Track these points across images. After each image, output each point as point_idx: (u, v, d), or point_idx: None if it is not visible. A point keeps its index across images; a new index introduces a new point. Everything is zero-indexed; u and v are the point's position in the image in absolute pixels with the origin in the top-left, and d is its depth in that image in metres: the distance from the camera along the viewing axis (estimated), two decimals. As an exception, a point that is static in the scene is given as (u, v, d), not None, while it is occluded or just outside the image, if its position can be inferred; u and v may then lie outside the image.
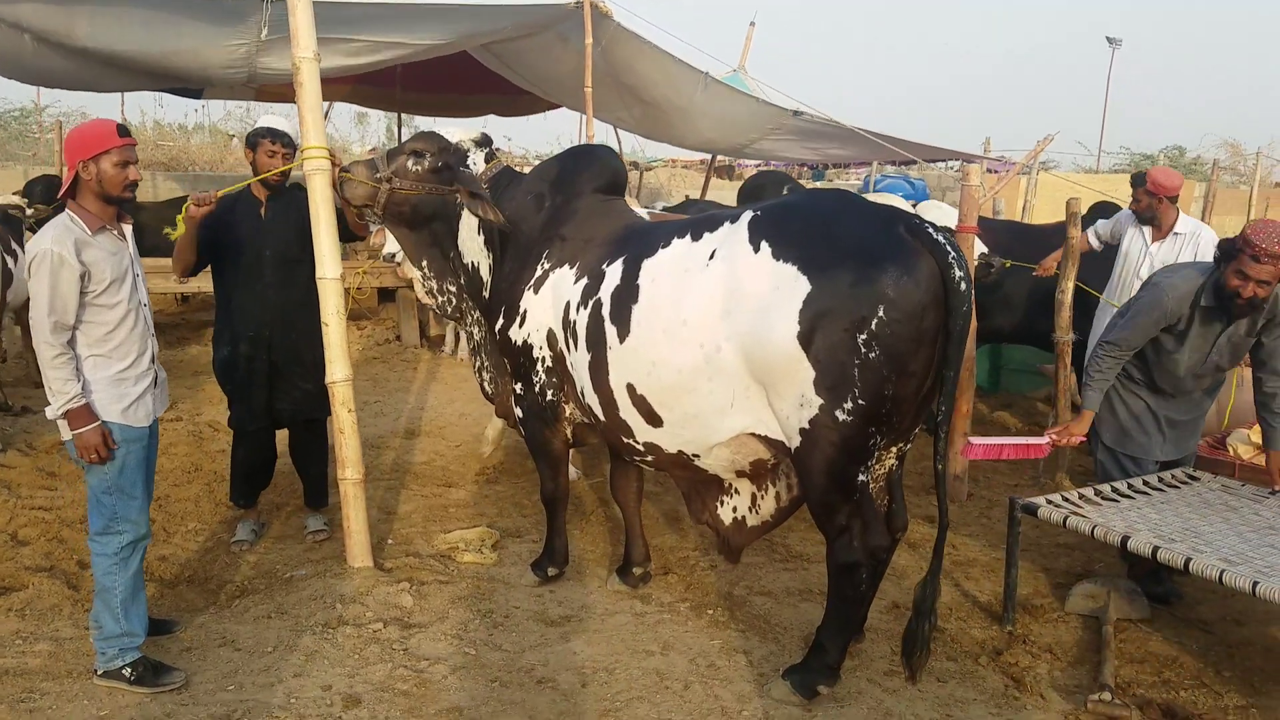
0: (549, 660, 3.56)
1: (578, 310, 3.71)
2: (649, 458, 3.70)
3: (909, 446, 3.46)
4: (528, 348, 3.97)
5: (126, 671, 3.29)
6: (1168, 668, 3.65)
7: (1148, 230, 5.48)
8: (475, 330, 4.42)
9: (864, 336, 2.94)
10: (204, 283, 7.96)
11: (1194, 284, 3.97)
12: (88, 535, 3.39)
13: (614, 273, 3.61)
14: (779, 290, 3.06)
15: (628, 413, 3.58)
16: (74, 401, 3.16)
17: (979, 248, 5.63)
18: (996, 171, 13.25)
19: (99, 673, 3.32)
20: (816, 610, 3.88)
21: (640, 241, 3.63)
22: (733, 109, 9.22)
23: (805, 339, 2.99)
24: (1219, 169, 17.03)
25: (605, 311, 3.57)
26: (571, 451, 4.41)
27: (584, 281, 3.73)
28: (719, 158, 13.35)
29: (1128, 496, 4.06)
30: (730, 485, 3.73)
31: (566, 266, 3.84)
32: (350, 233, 4.46)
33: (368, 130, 31.15)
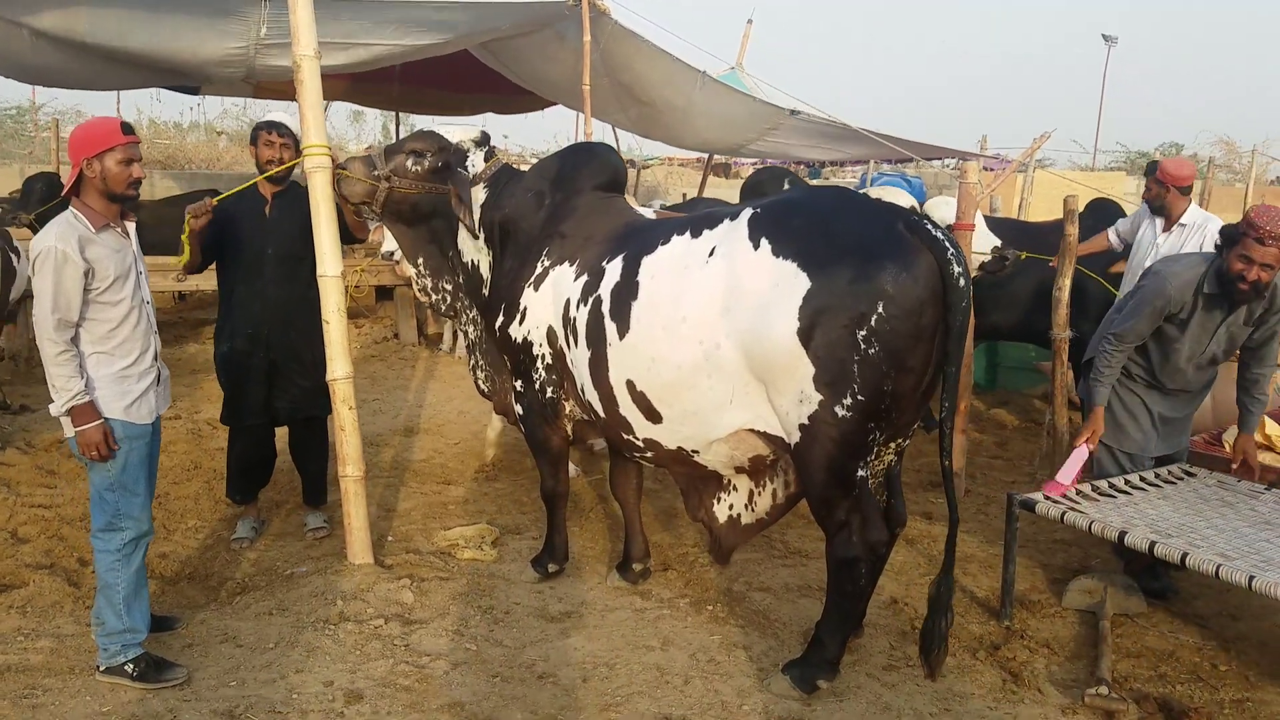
0: (549, 656, 3.57)
1: (578, 307, 3.72)
2: (648, 454, 3.72)
3: (908, 442, 3.48)
4: (528, 345, 3.98)
5: (129, 668, 3.30)
6: (1164, 662, 3.67)
7: (1159, 221, 5.47)
8: (471, 328, 4.42)
9: (863, 333, 2.96)
10: (201, 281, 7.98)
11: (1197, 271, 3.98)
12: (90, 532, 3.40)
13: (614, 270, 3.62)
14: (779, 287, 3.08)
15: (627, 409, 3.59)
16: (77, 399, 3.16)
17: (992, 240, 5.64)
18: (992, 169, 13.28)
19: (101, 669, 3.33)
20: (815, 606, 3.90)
21: (640, 239, 3.65)
22: (730, 108, 9.23)
23: (805, 335, 3.01)
24: (1214, 166, 17.08)
25: (605, 308, 3.59)
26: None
27: (584, 279, 3.74)
28: (716, 156, 13.37)
29: (1124, 492, 4.08)
30: (728, 482, 3.75)
31: (566, 264, 3.85)
32: (350, 234, 4.45)
33: (364, 128, 31.14)
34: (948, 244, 3.04)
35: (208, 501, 5.08)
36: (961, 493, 5.47)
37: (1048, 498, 3.96)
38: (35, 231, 5.10)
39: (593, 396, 3.72)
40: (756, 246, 3.18)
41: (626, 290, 3.53)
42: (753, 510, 3.73)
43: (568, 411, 4.05)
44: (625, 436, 3.70)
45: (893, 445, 3.39)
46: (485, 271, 4.21)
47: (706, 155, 12.70)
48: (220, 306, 4.56)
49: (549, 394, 4.00)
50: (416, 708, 3.20)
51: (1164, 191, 5.36)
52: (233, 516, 4.81)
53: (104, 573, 3.32)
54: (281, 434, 4.73)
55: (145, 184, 3.39)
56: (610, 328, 3.56)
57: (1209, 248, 5.07)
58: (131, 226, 3.40)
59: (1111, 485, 4.13)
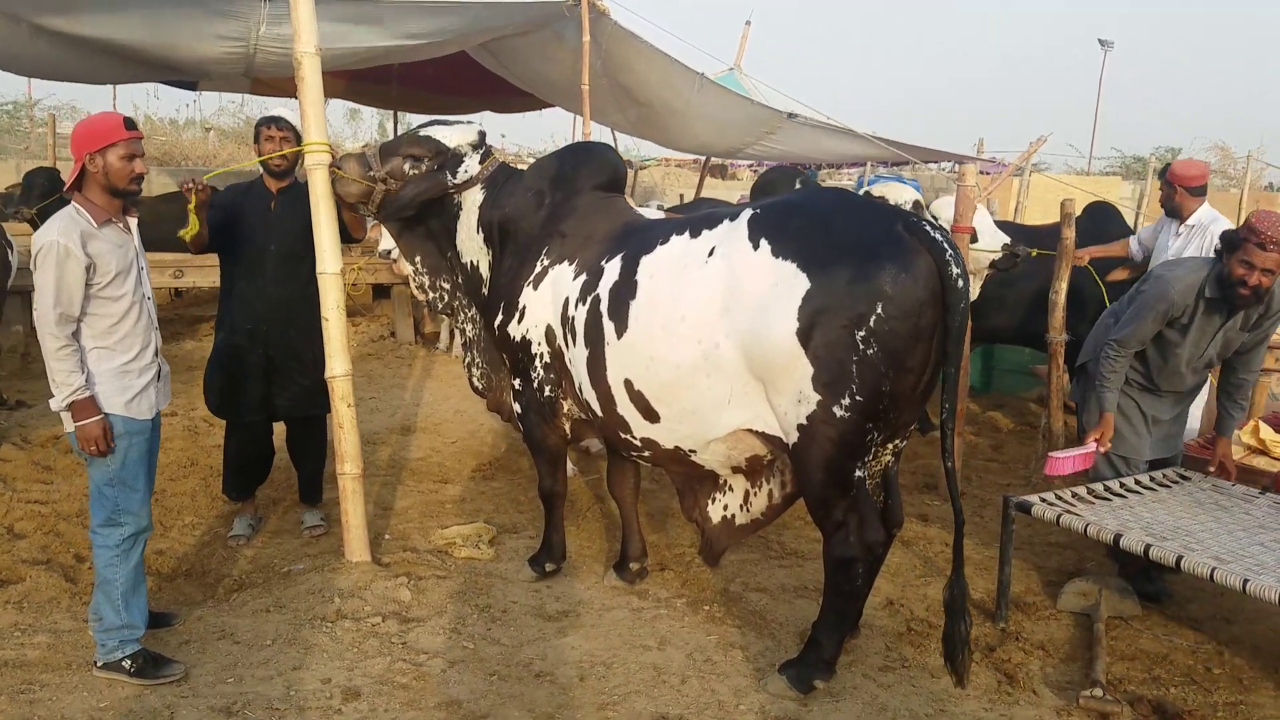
0: (547, 654, 3.58)
1: (576, 306, 3.73)
2: (646, 453, 3.72)
3: (905, 443, 3.49)
4: (526, 343, 3.98)
5: (126, 663, 3.30)
6: (1158, 665, 3.69)
7: (1174, 225, 5.46)
8: (468, 327, 4.42)
9: (862, 333, 2.97)
10: (197, 278, 8.03)
11: (1199, 274, 4.00)
12: (89, 527, 3.40)
13: (613, 269, 3.63)
14: (778, 287, 3.09)
15: (625, 408, 3.60)
16: (78, 393, 3.16)
17: (1002, 238, 5.65)
18: (989, 173, 13.32)
19: (99, 664, 3.33)
20: (811, 607, 3.91)
21: (639, 238, 3.66)
22: (728, 112, 9.23)
23: (804, 335, 3.02)
24: (1210, 172, 17.09)
25: (604, 308, 3.60)
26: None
27: (583, 278, 3.75)
28: (713, 158, 13.37)
29: (1120, 495, 4.10)
30: (725, 482, 3.76)
31: (566, 263, 3.86)
32: (348, 233, 4.44)
33: (360, 126, 31.15)
34: (946, 245, 3.05)
35: (204, 498, 5.08)
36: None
37: (1043, 498, 3.98)
38: (37, 227, 5.10)
39: (590, 395, 3.73)
40: (756, 247, 3.20)
41: (625, 289, 3.54)
42: (747, 511, 3.74)
43: (566, 410, 4.06)
44: (623, 436, 3.71)
45: (890, 446, 3.40)
46: (485, 271, 4.21)
47: (704, 156, 12.70)
48: (221, 300, 4.56)
49: (547, 393, 4.01)
50: (414, 705, 3.21)
51: (1173, 193, 5.37)
52: (229, 513, 4.81)
53: (102, 568, 3.32)
54: (278, 432, 4.73)
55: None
56: (609, 327, 3.57)
57: (1208, 249, 5.10)
58: (133, 222, 3.40)
59: (1107, 488, 4.15)
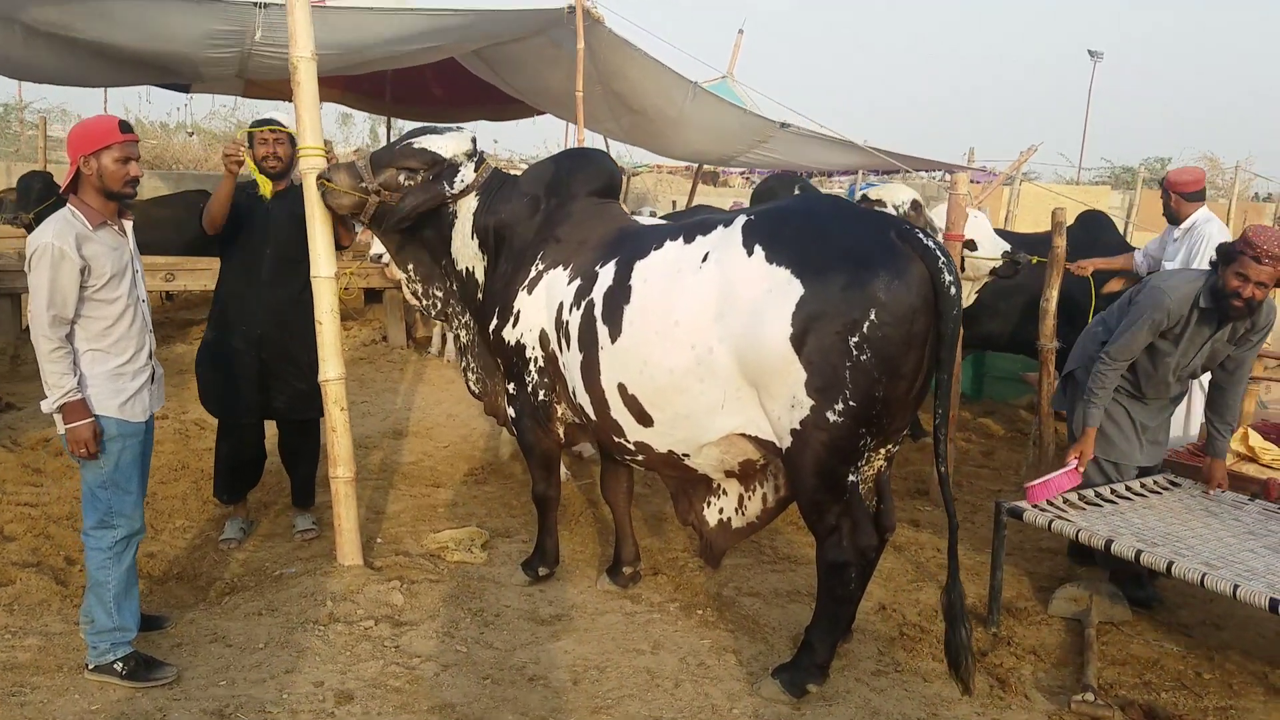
0: (540, 658, 3.58)
1: (570, 311, 3.73)
2: (640, 457, 3.73)
3: (897, 448, 3.51)
4: (520, 348, 3.99)
5: (118, 666, 3.29)
6: (1149, 670, 3.70)
7: (1174, 230, 5.49)
8: (463, 332, 4.41)
9: (855, 339, 2.99)
10: (189, 281, 8.01)
11: (1195, 285, 4.03)
12: (80, 530, 3.39)
13: (607, 274, 3.64)
14: (772, 293, 3.10)
15: (619, 412, 3.61)
16: (69, 395, 3.16)
17: (1002, 245, 5.67)
18: (979, 182, 13.37)
19: (90, 667, 3.31)
20: (804, 611, 3.92)
21: (634, 243, 3.67)
22: (721, 120, 9.28)
23: (797, 341, 3.04)
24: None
25: (598, 312, 3.60)
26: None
27: (577, 283, 3.76)
28: (705, 164, 13.42)
29: (1111, 501, 4.13)
30: (718, 486, 3.78)
31: (560, 268, 3.87)
32: (336, 242, 4.40)
33: (352, 131, 31.12)
34: (939, 252, 3.08)
35: (195, 501, 5.06)
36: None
37: (1035, 506, 4.00)
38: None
39: (584, 400, 3.74)
40: (750, 253, 3.21)
41: (620, 294, 3.55)
42: (743, 514, 3.76)
43: (560, 415, 4.06)
44: (616, 440, 3.71)
45: (883, 451, 3.41)
46: (480, 277, 4.19)
47: (696, 163, 12.74)
48: (216, 301, 4.53)
49: (541, 397, 4.01)
50: (407, 709, 3.20)
51: (1169, 200, 5.44)
52: (220, 517, 4.80)
53: (94, 570, 3.31)
54: (269, 435, 4.72)
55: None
56: (603, 331, 3.58)
57: (1197, 250, 5.16)
58: (129, 225, 3.40)
59: (1098, 494, 4.18)
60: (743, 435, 3.35)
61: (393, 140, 4.40)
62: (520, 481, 5.59)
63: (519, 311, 3.96)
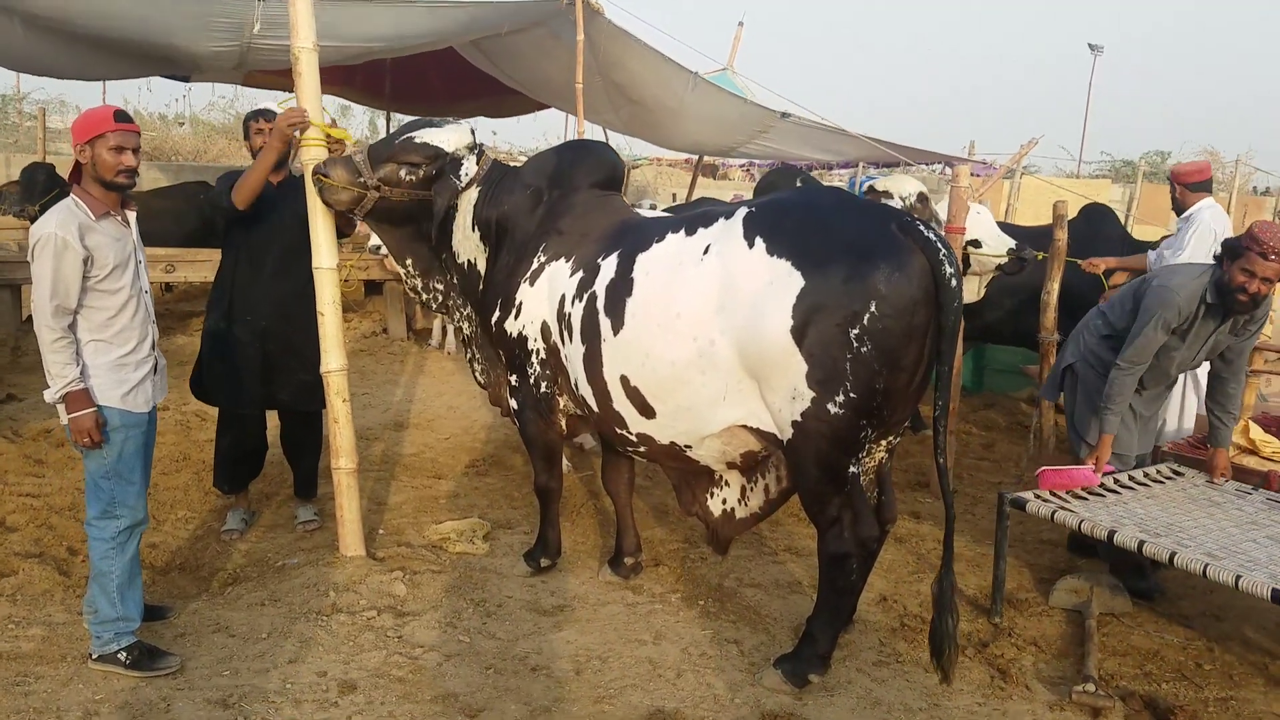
0: (542, 649, 3.59)
1: (572, 303, 3.74)
2: (641, 449, 3.74)
3: (898, 440, 3.51)
4: (522, 340, 3.99)
5: (122, 656, 3.30)
6: (1149, 661, 3.72)
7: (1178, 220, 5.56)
8: (465, 324, 4.41)
9: (856, 331, 3.00)
10: (189, 272, 8.01)
11: (1201, 281, 4.05)
12: (83, 520, 3.39)
13: (609, 266, 3.64)
14: (773, 285, 3.11)
15: (621, 404, 3.61)
16: (72, 385, 3.16)
17: (1008, 241, 5.67)
18: (980, 175, 13.37)
19: (94, 657, 3.32)
20: (805, 602, 3.93)
21: (636, 236, 3.67)
22: (721, 110, 9.25)
23: (798, 333, 3.04)
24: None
25: (600, 304, 3.61)
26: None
27: (580, 275, 3.76)
28: (706, 156, 13.40)
29: (1114, 492, 4.14)
30: (720, 477, 3.79)
31: (562, 260, 3.87)
32: (339, 230, 4.40)
33: (350, 123, 30.94)
34: (940, 244, 3.08)
35: (197, 492, 5.06)
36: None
37: (1037, 495, 4.02)
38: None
39: (586, 392, 3.74)
40: (751, 245, 3.22)
41: (622, 286, 3.55)
42: (746, 504, 3.77)
43: (562, 406, 4.07)
44: (619, 431, 3.72)
45: (884, 443, 3.43)
46: (482, 269, 4.19)
47: (696, 156, 12.71)
48: (218, 288, 4.48)
49: (543, 389, 4.02)
50: (410, 698, 3.21)
51: (1175, 191, 5.47)
52: (222, 508, 4.80)
53: (98, 560, 3.32)
54: (271, 426, 4.72)
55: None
56: (605, 323, 3.58)
57: (1194, 234, 5.18)
58: (132, 215, 3.40)
59: (1101, 485, 4.18)
60: (744, 427, 3.35)
61: (390, 134, 4.35)
62: (521, 473, 5.60)
63: (521, 304, 3.96)
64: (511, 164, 4.41)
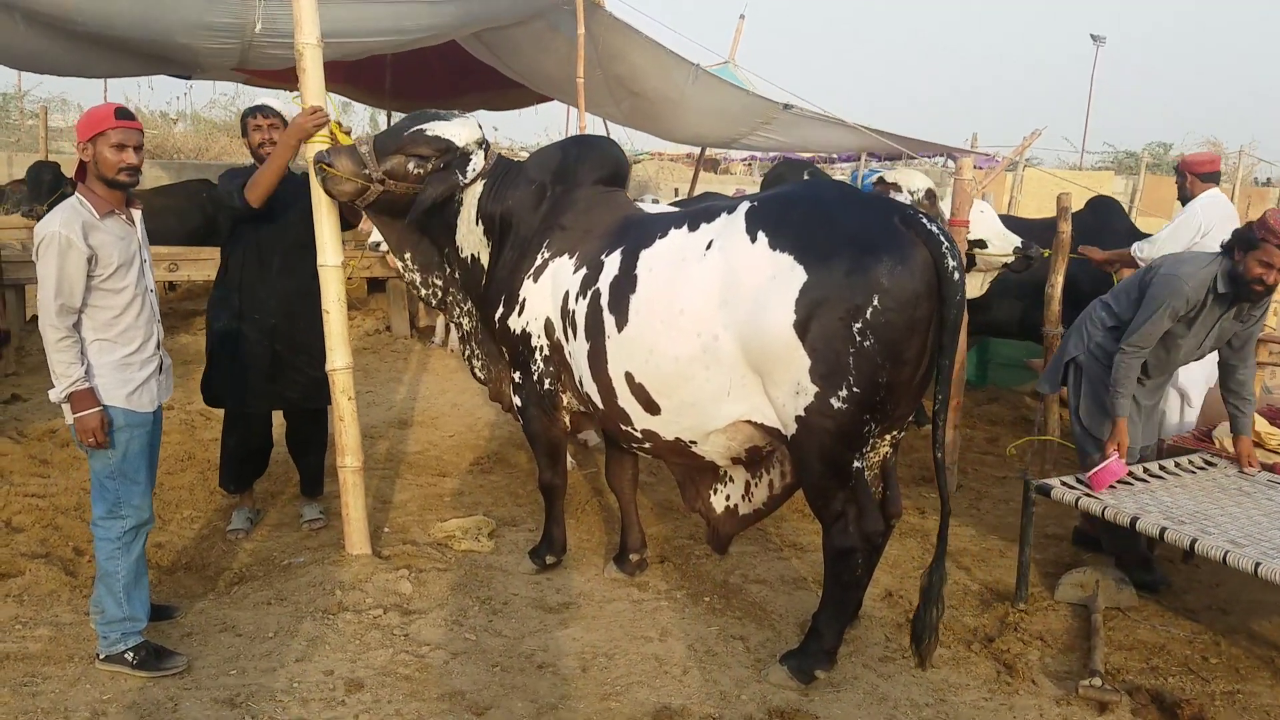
0: (549, 646, 3.59)
1: (576, 300, 3.73)
2: (646, 445, 3.74)
3: (903, 434, 3.51)
4: (526, 336, 3.98)
5: (129, 656, 3.30)
6: (1156, 655, 3.71)
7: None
8: (465, 320, 4.39)
9: (859, 325, 2.99)
10: (192, 271, 8.01)
11: (1210, 270, 4.05)
12: (89, 521, 3.40)
13: (613, 263, 3.63)
14: (776, 279, 3.10)
15: (626, 401, 3.61)
16: (77, 385, 3.15)
17: (1013, 240, 5.66)
18: (982, 167, 13.32)
19: (101, 657, 3.32)
20: (811, 598, 3.93)
21: (639, 232, 3.67)
22: (723, 102, 9.23)
23: (801, 327, 3.03)
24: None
25: (604, 301, 3.60)
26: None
27: (583, 271, 3.75)
28: (707, 151, 13.38)
29: (1142, 480, 4.16)
30: (725, 473, 3.78)
31: (566, 256, 3.86)
32: (346, 220, 4.38)
33: (352, 119, 30.93)
34: (942, 237, 3.07)
35: (202, 492, 5.07)
36: (953, 488, 5.51)
37: (1062, 482, 4.04)
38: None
39: (591, 388, 3.74)
40: (754, 240, 3.21)
41: (625, 283, 3.55)
42: (749, 501, 3.76)
43: (566, 403, 4.06)
44: (623, 428, 3.72)
45: (888, 437, 3.42)
46: (485, 264, 4.18)
47: (698, 150, 12.69)
48: (222, 285, 4.46)
49: (547, 385, 4.01)
50: (417, 696, 3.22)
51: (1184, 181, 5.48)
52: (227, 507, 4.81)
53: (104, 561, 3.32)
54: (276, 424, 4.72)
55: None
56: (609, 320, 3.58)
57: (1180, 225, 5.21)
58: (138, 214, 3.39)
59: (1131, 474, 4.19)
60: (748, 422, 3.35)
61: (394, 125, 4.31)
62: (526, 470, 5.61)
63: (524, 300, 3.95)
64: (515, 159, 4.40)
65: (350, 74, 10.39)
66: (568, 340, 3.81)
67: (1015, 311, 6.45)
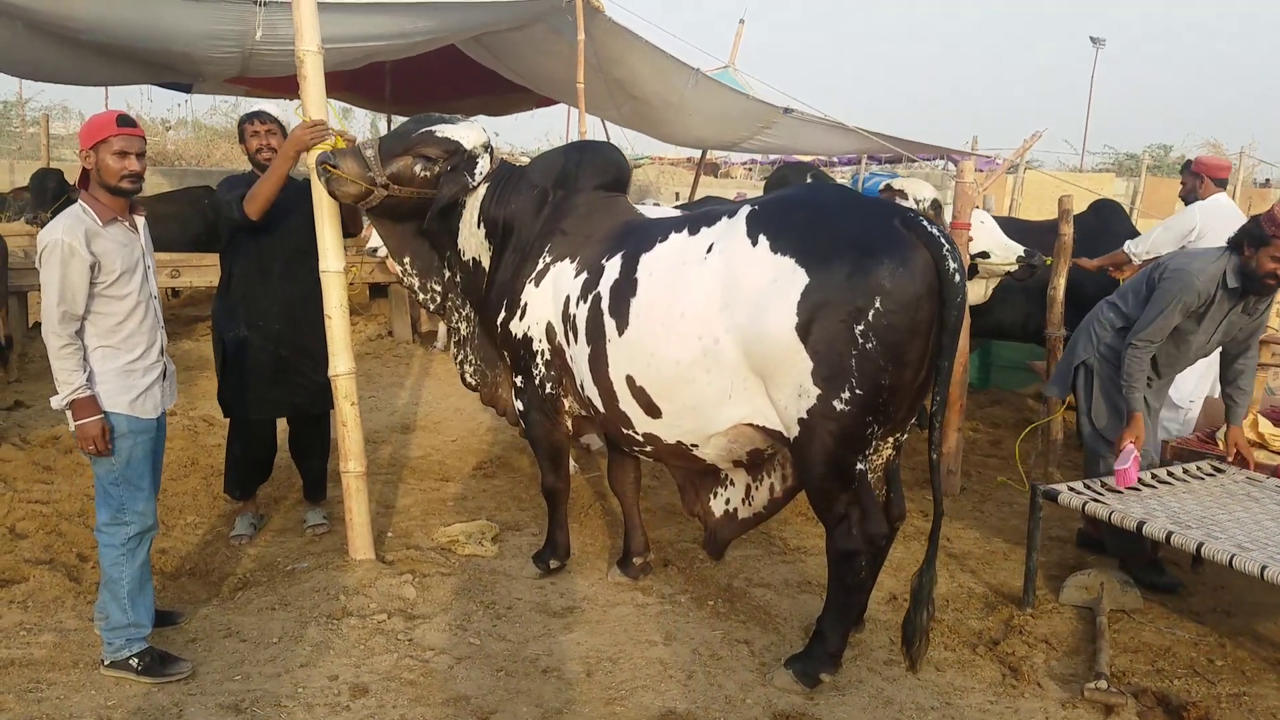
0: (553, 650, 3.59)
1: (578, 304, 3.74)
2: (648, 448, 3.74)
3: (905, 436, 3.51)
4: (527, 340, 3.98)
5: (134, 662, 3.30)
6: (1161, 657, 3.71)
7: None
8: (463, 325, 4.38)
9: (861, 327, 2.99)
10: (194, 277, 8.02)
11: (1220, 265, 4.08)
12: (93, 527, 3.40)
13: (613, 267, 3.64)
14: (777, 282, 3.10)
15: (627, 404, 3.61)
16: (79, 392, 3.16)
17: (1016, 249, 5.65)
18: (983, 169, 13.32)
19: (106, 663, 3.32)
20: (815, 602, 3.93)
21: (639, 236, 3.67)
22: (723, 106, 9.25)
23: (803, 330, 3.03)
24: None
25: (605, 305, 3.60)
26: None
27: (584, 276, 3.76)
28: (708, 155, 13.39)
29: (1149, 485, 4.16)
30: (726, 476, 3.78)
31: (567, 261, 3.86)
32: (346, 228, 4.37)
33: (352, 125, 30.97)
34: (943, 240, 3.07)
35: (206, 497, 5.07)
36: (957, 490, 5.50)
37: (1071, 486, 4.07)
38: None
39: (592, 392, 3.74)
40: (755, 243, 3.21)
41: (626, 287, 3.55)
42: (749, 504, 3.76)
43: (567, 407, 4.06)
44: (625, 431, 3.72)
45: (891, 440, 3.42)
46: (487, 267, 4.18)
47: (699, 154, 12.71)
48: (225, 297, 4.46)
49: (548, 390, 4.01)
50: (422, 701, 3.21)
51: (1198, 183, 5.49)
52: (231, 513, 4.81)
53: (108, 567, 3.32)
54: (280, 430, 4.72)
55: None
56: (610, 324, 3.58)
57: (1172, 226, 5.23)
58: (141, 221, 3.40)
59: (1139, 479, 4.19)
60: (750, 425, 3.35)
61: (398, 128, 4.31)
62: (528, 475, 5.61)
63: (526, 305, 3.95)
64: (516, 164, 4.40)
65: (350, 80, 10.41)
66: (569, 344, 3.82)
67: (1018, 314, 6.43)
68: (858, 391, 3.04)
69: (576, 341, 3.75)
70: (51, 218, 3.32)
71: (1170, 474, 4.28)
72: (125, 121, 3.25)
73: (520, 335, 3.99)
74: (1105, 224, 6.38)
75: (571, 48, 7.29)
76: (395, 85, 10.94)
